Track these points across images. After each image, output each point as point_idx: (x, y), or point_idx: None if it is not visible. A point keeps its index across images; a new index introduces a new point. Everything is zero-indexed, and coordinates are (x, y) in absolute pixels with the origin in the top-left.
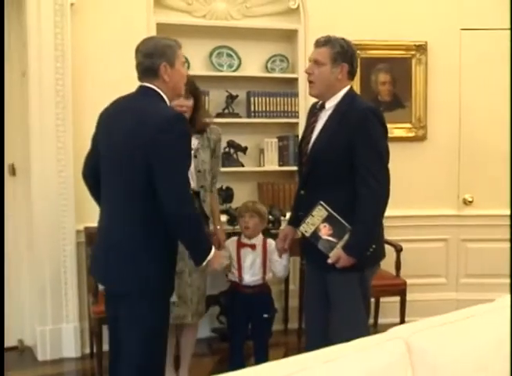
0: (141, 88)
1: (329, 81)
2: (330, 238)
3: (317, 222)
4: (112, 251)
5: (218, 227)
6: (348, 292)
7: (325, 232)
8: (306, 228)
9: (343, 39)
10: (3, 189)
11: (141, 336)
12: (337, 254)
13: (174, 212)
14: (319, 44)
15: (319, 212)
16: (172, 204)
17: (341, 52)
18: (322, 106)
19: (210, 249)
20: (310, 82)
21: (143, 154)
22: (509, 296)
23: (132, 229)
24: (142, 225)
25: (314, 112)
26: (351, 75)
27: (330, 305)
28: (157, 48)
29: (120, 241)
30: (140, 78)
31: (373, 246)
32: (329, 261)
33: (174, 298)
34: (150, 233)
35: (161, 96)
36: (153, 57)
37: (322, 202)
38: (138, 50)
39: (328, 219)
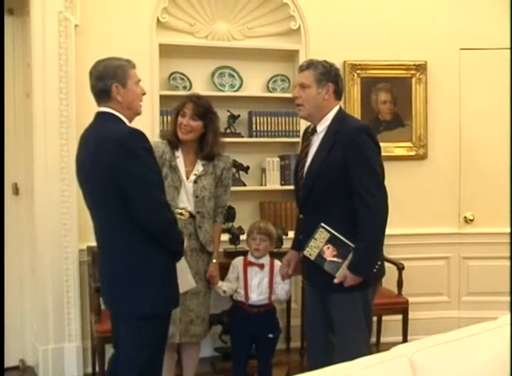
0: (98, 114)
1: (316, 101)
2: (335, 259)
3: (320, 244)
4: (108, 274)
5: (214, 261)
6: (351, 311)
7: (329, 253)
8: (310, 252)
9: (325, 61)
10: (3, 208)
11: (135, 354)
12: (343, 274)
13: (149, 224)
14: (302, 68)
15: (321, 234)
16: (145, 219)
17: (324, 73)
18: (314, 130)
19: (183, 243)
20: (298, 105)
21: (111, 178)
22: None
23: (123, 252)
24: (132, 248)
25: (306, 136)
26: (337, 95)
27: (331, 326)
28: (107, 70)
29: (115, 265)
30: (97, 102)
31: (379, 262)
32: (336, 281)
33: None
34: (142, 255)
35: (119, 118)
36: (104, 79)
37: (323, 224)
38: (90, 74)
39: (331, 240)
